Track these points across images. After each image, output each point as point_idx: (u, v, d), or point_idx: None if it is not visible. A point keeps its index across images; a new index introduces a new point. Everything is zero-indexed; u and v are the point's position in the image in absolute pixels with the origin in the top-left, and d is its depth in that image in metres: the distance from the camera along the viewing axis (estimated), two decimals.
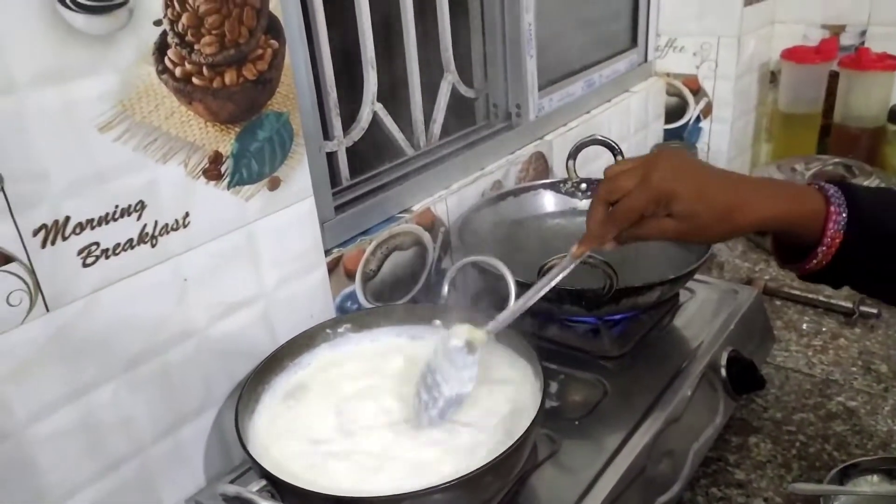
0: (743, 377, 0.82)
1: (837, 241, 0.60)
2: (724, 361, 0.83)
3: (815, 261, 0.61)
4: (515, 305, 0.67)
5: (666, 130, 1.50)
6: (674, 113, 1.48)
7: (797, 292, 1.10)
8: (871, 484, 0.76)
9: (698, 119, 1.45)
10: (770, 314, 1.02)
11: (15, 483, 0.58)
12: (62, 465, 0.60)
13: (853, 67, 1.32)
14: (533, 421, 0.57)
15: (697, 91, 1.43)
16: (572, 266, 0.65)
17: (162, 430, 0.67)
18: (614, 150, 1.01)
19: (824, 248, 0.60)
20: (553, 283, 0.65)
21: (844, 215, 0.59)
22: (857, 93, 1.33)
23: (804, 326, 1.05)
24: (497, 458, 0.54)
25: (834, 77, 1.39)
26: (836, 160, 1.25)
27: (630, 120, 1.38)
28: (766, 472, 0.80)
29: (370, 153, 0.98)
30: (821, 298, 1.08)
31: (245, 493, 0.48)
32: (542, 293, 0.66)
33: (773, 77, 1.50)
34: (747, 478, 0.79)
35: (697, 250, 0.86)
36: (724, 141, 1.45)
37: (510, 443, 0.55)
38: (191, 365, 0.68)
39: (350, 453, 0.61)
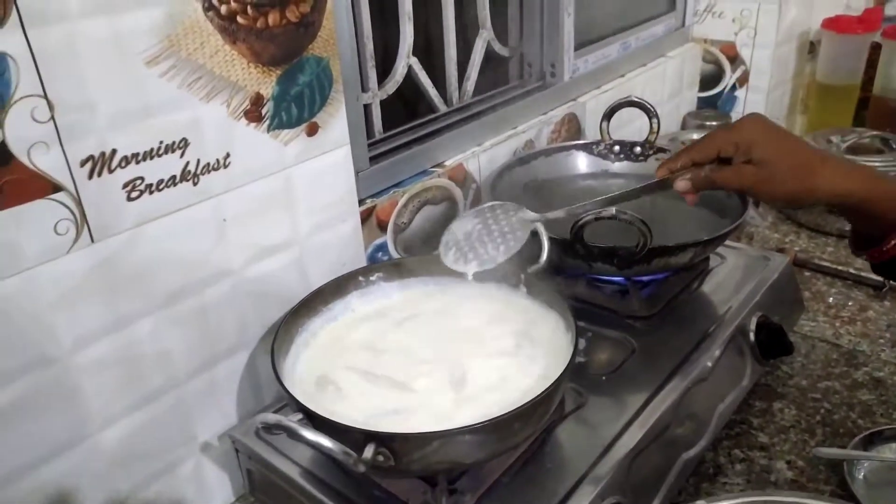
0: (771, 342, 0.82)
1: None
2: (752, 326, 0.82)
3: (891, 244, 0.60)
4: (572, 208, 0.70)
5: (700, 98, 1.48)
6: (709, 80, 1.45)
7: (827, 264, 1.09)
8: (895, 451, 0.76)
9: (734, 87, 1.43)
10: (801, 288, 1.02)
11: (60, 408, 0.60)
12: (103, 393, 0.62)
13: None
14: (565, 369, 0.58)
15: (734, 59, 1.40)
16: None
17: (197, 366, 0.69)
18: (650, 112, 1.00)
19: None
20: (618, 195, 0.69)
21: None
22: None
23: (832, 298, 1.04)
24: (527, 403, 0.54)
25: (876, 48, 1.36)
26: (874, 133, 1.22)
27: (664, 86, 1.36)
28: (789, 437, 0.80)
29: (404, 108, 0.98)
30: (850, 271, 1.07)
31: (285, 421, 0.49)
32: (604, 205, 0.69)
33: (811, 47, 1.47)
34: (770, 441, 0.80)
35: (731, 215, 0.86)
36: (758, 110, 1.42)
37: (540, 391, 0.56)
38: (226, 305, 0.70)
39: (384, 392, 0.62)
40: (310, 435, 0.50)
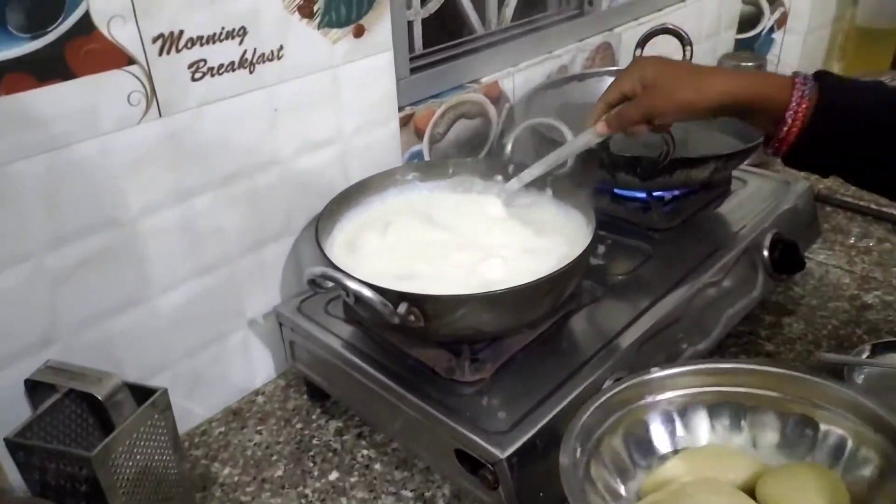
0: (784, 258, 0.86)
1: (804, 106, 0.61)
2: (767, 243, 0.86)
3: (785, 128, 0.62)
4: (547, 159, 0.74)
5: (737, 40, 1.48)
6: (747, 22, 1.46)
7: (849, 199, 1.12)
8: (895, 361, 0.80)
9: (771, 30, 1.44)
10: (819, 219, 1.04)
11: (128, 267, 0.66)
12: (166, 259, 0.69)
13: None
14: (584, 250, 0.63)
15: (774, 0, 1.40)
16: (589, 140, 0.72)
17: (247, 245, 0.75)
18: (684, 39, 1.02)
19: (792, 112, 0.62)
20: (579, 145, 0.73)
21: (810, 85, 0.62)
22: None
23: (852, 231, 1.07)
24: (547, 276, 0.60)
25: None
26: None
27: (702, 24, 1.37)
28: (795, 347, 0.85)
29: (444, 29, 1.02)
30: (872, 206, 1.10)
31: (331, 271, 0.55)
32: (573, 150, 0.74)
33: None
34: (776, 350, 0.84)
35: (751, 137, 0.89)
36: (795, 54, 1.43)
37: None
38: (275, 191, 0.76)
39: (418, 267, 0.68)
40: (353, 285, 0.56)
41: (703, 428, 0.57)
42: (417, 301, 0.59)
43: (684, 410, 0.57)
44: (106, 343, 0.67)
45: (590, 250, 0.64)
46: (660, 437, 0.57)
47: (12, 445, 0.56)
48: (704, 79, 0.66)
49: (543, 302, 0.64)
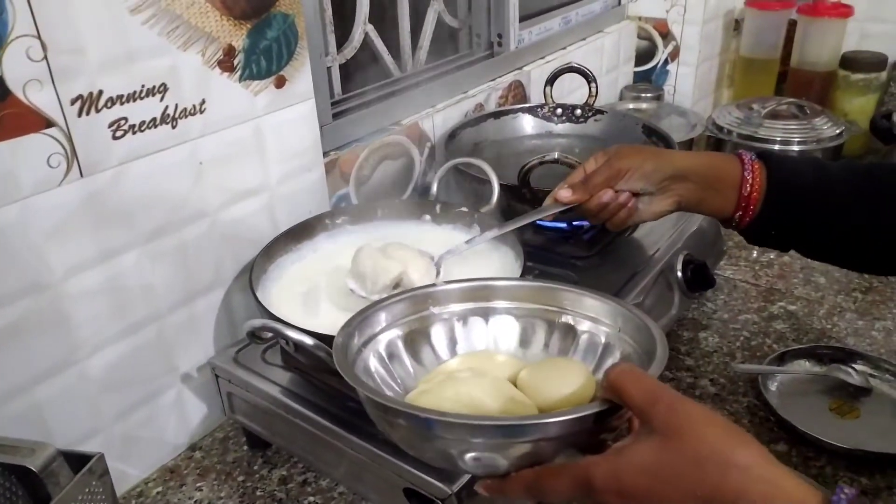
0: (696, 277, 0.92)
1: (756, 167, 0.68)
2: (679, 264, 0.92)
3: (746, 190, 0.68)
4: (484, 235, 0.75)
5: (636, 72, 1.58)
6: (644, 56, 1.56)
7: None
8: (803, 367, 0.87)
9: (666, 62, 1.54)
10: (724, 236, 1.12)
11: (52, 333, 0.64)
12: (92, 321, 0.67)
13: (809, 14, 1.41)
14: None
15: (666, 35, 1.51)
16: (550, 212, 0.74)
17: (178, 300, 0.74)
18: (588, 77, 1.09)
19: (749, 173, 0.68)
20: (525, 221, 0.75)
21: (752, 155, 0.69)
22: (812, 38, 1.42)
23: (754, 247, 1.15)
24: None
25: (793, 25, 1.48)
26: (790, 100, 1.34)
27: (603, 59, 1.45)
28: (712, 360, 0.90)
29: (361, 73, 1.05)
30: None
31: (271, 323, 0.56)
32: (510, 228, 0.75)
33: (736, 25, 1.59)
34: (696, 363, 0.90)
35: None
36: (688, 84, 1.54)
37: None
38: (204, 243, 0.75)
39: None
40: (294, 334, 0.56)
41: (479, 337, 0.60)
42: None
43: (464, 321, 0.60)
44: (33, 412, 0.65)
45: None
46: (440, 343, 0.59)
47: None
48: (666, 151, 0.72)
49: None
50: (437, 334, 0.59)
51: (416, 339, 0.58)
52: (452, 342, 0.59)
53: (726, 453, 0.40)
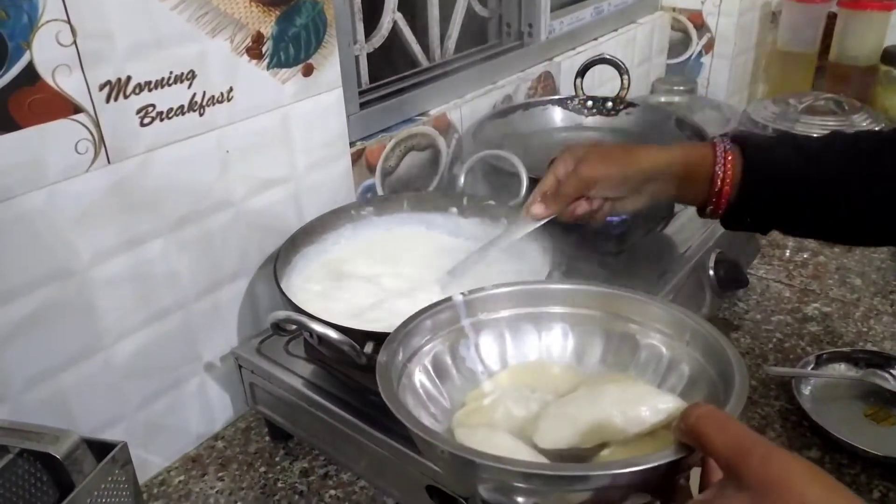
0: (728, 276, 0.90)
1: (730, 158, 0.66)
2: (711, 263, 0.90)
3: (718, 180, 0.66)
4: (483, 249, 0.72)
5: (668, 65, 1.55)
6: (677, 48, 1.53)
7: None
8: (838, 371, 0.84)
9: (700, 54, 1.50)
10: (757, 236, 1.09)
11: (78, 319, 0.64)
12: (118, 308, 0.67)
13: (851, 7, 1.37)
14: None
15: (701, 26, 1.47)
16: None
17: (202, 289, 0.74)
18: (620, 68, 1.06)
19: (720, 164, 0.66)
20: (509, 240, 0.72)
21: (727, 140, 0.67)
22: (853, 32, 1.38)
23: (788, 245, 1.12)
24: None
25: (832, 18, 1.44)
26: (828, 96, 1.30)
27: (635, 51, 1.42)
28: (744, 361, 0.88)
29: (388, 62, 1.03)
30: None
31: (296, 315, 0.55)
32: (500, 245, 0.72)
33: (773, 17, 1.55)
34: None
35: None
36: (723, 77, 1.50)
37: None
38: (229, 232, 0.75)
39: (381, 304, 0.68)
40: (318, 327, 0.55)
41: (531, 345, 0.56)
42: (383, 339, 0.59)
43: (515, 329, 0.56)
44: (58, 398, 0.65)
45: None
46: (489, 352, 0.56)
47: None
48: (634, 151, 0.70)
49: None
50: (486, 344, 0.56)
51: (463, 349, 0.55)
52: (503, 352, 0.56)
53: None
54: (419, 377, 0.51)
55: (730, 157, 0.67)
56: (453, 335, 0.54)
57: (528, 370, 0.54)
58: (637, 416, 0.44)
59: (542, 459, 0.45)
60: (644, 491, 0.42)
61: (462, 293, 0.55)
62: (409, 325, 0.52)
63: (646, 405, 0.44)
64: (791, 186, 0.66)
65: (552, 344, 0.56)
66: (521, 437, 0.46)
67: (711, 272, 0.89)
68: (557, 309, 0.56)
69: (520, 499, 0.41)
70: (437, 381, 0.52)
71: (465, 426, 0.49)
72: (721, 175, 0.66)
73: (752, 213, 0.69)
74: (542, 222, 0.71)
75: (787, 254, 1.10)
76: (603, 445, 0.45)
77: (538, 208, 0.70)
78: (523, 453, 0.44)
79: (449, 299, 0.55)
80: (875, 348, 0.88)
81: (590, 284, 0.56)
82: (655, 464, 0.39)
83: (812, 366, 0.84)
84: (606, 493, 0.40)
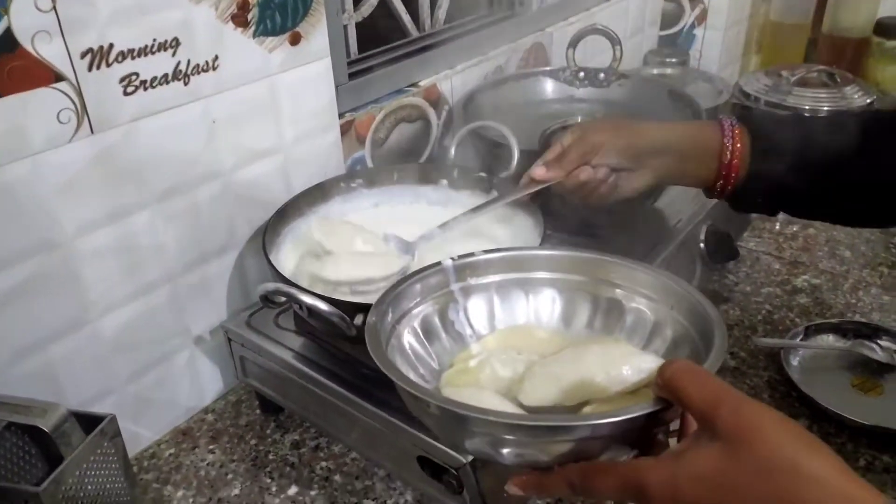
0: (719, 248, 0.90)
1: (738, 132, 0.66)
2: (702, 235, 0.90)
3: (727, 155, 0.66)
4: (469, 212, 0.72)
5: (661, 36, 1.53)
6: (669, 19, 1.51)
7: None
8: (826, 341, 0.85)
9: (692, 26, 1.49)
10: None
11: (63, 292, 0.64)
12: (104, 281, 0.66)
13: None
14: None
15: None
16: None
17: (190, 261, 0.73)
18: (613, 39, 1.05)
19: (728, 138, 0.66)
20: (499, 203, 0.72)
21: (733, 119, 0.67)
22: (846, 3, 1.37)
23: (778, 218, 1.12)
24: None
25: None
26: (821, 68, 1.29)
27: (627, 22, 1.41)
28: (733, 333, 0.88)
29: (377, 32, 1.02)
30: None
31: (285, 287, 0.54)
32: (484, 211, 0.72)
33: None
34: None
35: None
36: (715, 49, 1.49)
37: None
38: (217, 204, 0.74)
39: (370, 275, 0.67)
40: (308, 299, 0.55)
41: (519, 310, 0.57)
42: None
43: (503, 293, 0.57)
44: (46, 371, 0.64)
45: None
46: (478, 316, 0.56)
47: None
48: (643, 124, 0.70)
49: None
50: (475, 308, 0.56)
51: (452, 312, 0.55)
52: (491, 316, 0.56)
53: (800, 463, 0.35)
54: (408, 338, 0.52)
55: (737, 132, 0.67)
56: (443, 299, 0.54)
57: (516, 334, 0.55)
58: (619, 375, 0.45)
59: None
60: (624, 444, 0.42)
61: (452, 258, 0.55)
62: (399, 287, 0.52)
63: (628, 364, 0.45)
64: (800, 165, 0.66)
65: (540, 308, 0.56)
66: (507, 397, 0.47)
67: (702, 244, 0.89)
68: (545, 275, 0.57)
69: (505, 451, 0.42)
70: (426, 342, 0.53)
71: (452, 385, 0.49)
72: (730, 148, 0.66)
73: (762, 193, 0.68)
74: (543, 186, 0.70)
75: (777, 226, 1.10)
76: (585, 403, 0.46)
77: (540, 171, 0.70)
78: (508, 410, 0.45)
79: (439, 264, 0.55)
80: (863, 319, 0.88)
81: (578, 251, 0.56)
82: (633, 415, 0.39)
83: (801, 337, 0.85)
84: (587, 445, 0.41)
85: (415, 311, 0.53)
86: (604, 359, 0.46)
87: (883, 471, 0.70)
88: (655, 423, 0.41)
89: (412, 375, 0.48)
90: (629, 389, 0.45)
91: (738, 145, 0.66)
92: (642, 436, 0.42)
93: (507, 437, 0.41)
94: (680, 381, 0.39)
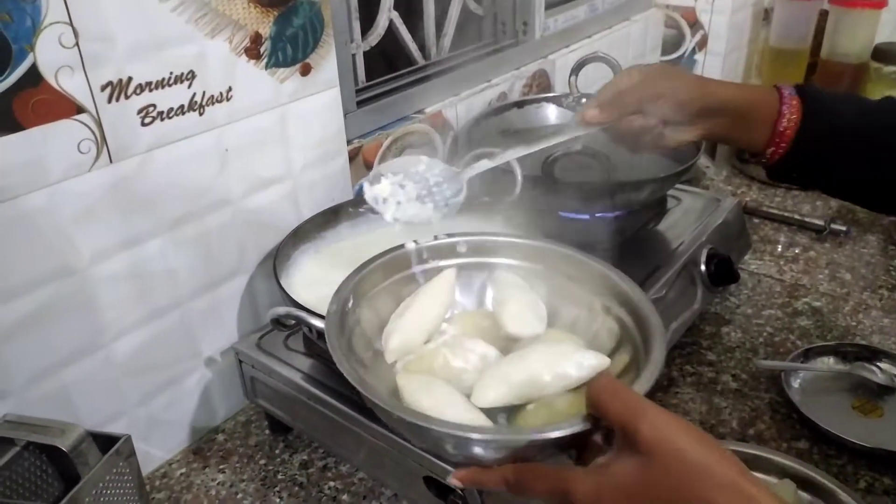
0: (720, 271, 0.91)
1: (794, 103, 0.66)
2: (703, 258, 0.91)
3: (781, 127, 0.66)
4: (498, 157, 0.70)
5: (662, 62, 1.56)
6: (670, 45, 1.54)
7: (775, 211, 1.19)
8: (827, 364, 0.86)
9: (693, 51, 1.52)
10: (749, 230, 1.11)
11: (79, 317, 0.65)
12: (118, 305, 0.68)
13: (842, 4, 1.38)
14: None
15: (694, 23, 1.49)
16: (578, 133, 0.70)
17: (201, 286, 0.75)
18: (614, 66, 1.07)
19: (787, 110, 0.66)
20: (552, 142, 0.71)
21: (793, 90, 0.67)
22: (844, 29, 1.40)
23: (778, 241, 1.14)
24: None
25: (823, 15, 1.45)
26: None
27: (629, 48, 1.43)
28: (734, 355, 0.90)
29: (385, 61, 1.04)
30: (796, 217, 1.17)
31: (295, 311, 0.56)
32: (539, 147, 0.71)
33: (766, 14, 1.56)
34: (717, 358, 0.89)
35: (686, 160, 0.94)
36: (716, 74, 1.51)
37: None
38: (227, 231, 0.76)
39: None
40: (318, 322, 0.57)
41: (478, 295, 0.58)
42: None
43: (463, 278, 0.58)
44: (60, 394, 0.66)
45: None
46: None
47: None
48: (703, 81, 0.69)
49: None
50: None
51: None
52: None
53: (709, 473, 0.38)
54: (368, 318, 0.53)
55: (795, 103, 0.66)
56: (404, 281, 0.56)
57: (473, 319, 0.56)
58: (563, 373, 0.47)
59: (477, 411, 0.48)
60: (557, 450, 0.45)
61: (415, 241, 0.57)
62: (361, 271, 0.54)
63: (570, 361, 0.47)
64: (850, 145, 0.66)
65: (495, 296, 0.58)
66: (459, 387, 0.49)
67: (703, 267, 0.91)
68: (505, 261, 0.58)
69: (449, 450, 0.45)
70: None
71: (407, 371, 0.51)
72: (787, 116, 0.66)
73: (805, 166, 0.68)
74: (594, 129, 0.68)
75: (779, 249, 1.11)
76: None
77: (593, 112, 0.67)
78: (458, 404, 0.47)
79: (402, 246, 0.57)
80: (863, 342, 0.89)
81: (536, 240, 0.58)
82: (562, 434, 0.42)
83: (801, 359, 0.86)
84: (521, 452, 0.44)
85: (374, 292, 0.54)
86: (549, 357, 0.49)
87: (883, 493, 0.70)
88: (591, 431, 0.44)
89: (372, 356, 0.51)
90: (572, 386, 0.47)
91: (795, 116, 0.66)
92: (578, 442, 0.45)
93: (446, 443, 0.44)
94: (602, 398, 0.42)
